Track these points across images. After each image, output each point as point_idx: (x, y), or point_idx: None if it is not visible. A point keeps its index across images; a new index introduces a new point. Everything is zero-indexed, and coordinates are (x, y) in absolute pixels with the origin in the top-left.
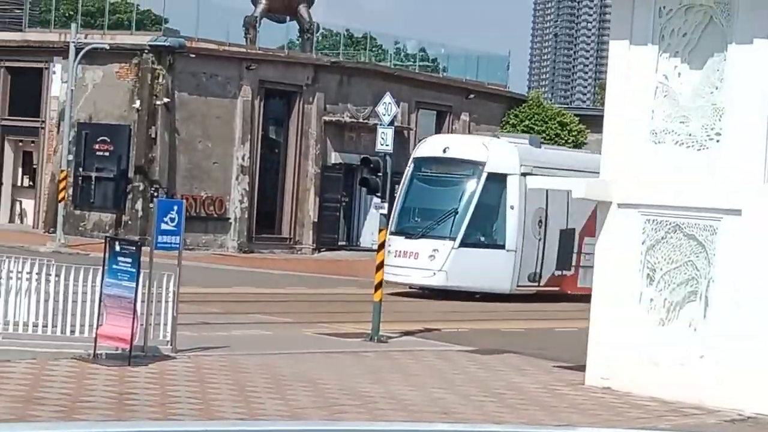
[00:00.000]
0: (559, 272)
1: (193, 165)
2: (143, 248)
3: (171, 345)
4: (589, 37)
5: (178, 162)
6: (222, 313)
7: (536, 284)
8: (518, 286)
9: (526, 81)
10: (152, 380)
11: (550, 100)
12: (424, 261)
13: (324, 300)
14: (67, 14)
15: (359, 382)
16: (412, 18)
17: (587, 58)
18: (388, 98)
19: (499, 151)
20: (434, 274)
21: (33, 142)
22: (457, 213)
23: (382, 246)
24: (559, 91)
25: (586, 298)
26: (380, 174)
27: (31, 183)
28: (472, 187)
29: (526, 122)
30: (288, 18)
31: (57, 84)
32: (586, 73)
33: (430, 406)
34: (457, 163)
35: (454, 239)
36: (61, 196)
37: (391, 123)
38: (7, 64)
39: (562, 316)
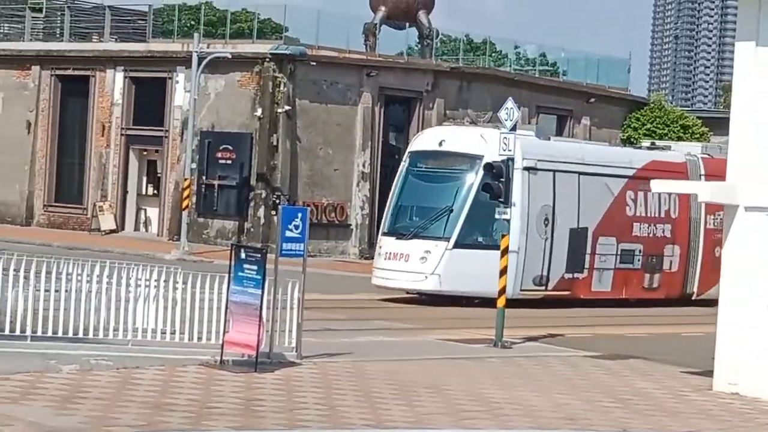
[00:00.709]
0: (570, 275)
1: (314, 172)
2: (268, 255)
3: (296, 351)
4: (710, 38)
5: (300, 169)
6: (345, 319)
7: (543, 288)
8: (522, 290)
9: (646, 84)
10: (278, 386)
11: (671, 103)
12: (415, 263)
13: (446, 305)
14: (188, 24)
15: (484, 387)
16: (531, 22)
17: (708, 60)
18: (510, 103)
19: (497, 144)
20: (426, 277)
21: (157, 151)
22: (452, 211)
23: (505, 251)
24: (679, 94)
25: (600, 303)
26: (503, 179)
27: (155, 191)
28: (469, 182)
29: (648, 126)
30: (407, 24)
31: (180, 93)
32: (708, 74)
33: (556, 412)
34: (452, 156)
35: (447, 240)
36: (184, 204)
37: (513, 128)
38: (132, 74)
39: (687, 321)
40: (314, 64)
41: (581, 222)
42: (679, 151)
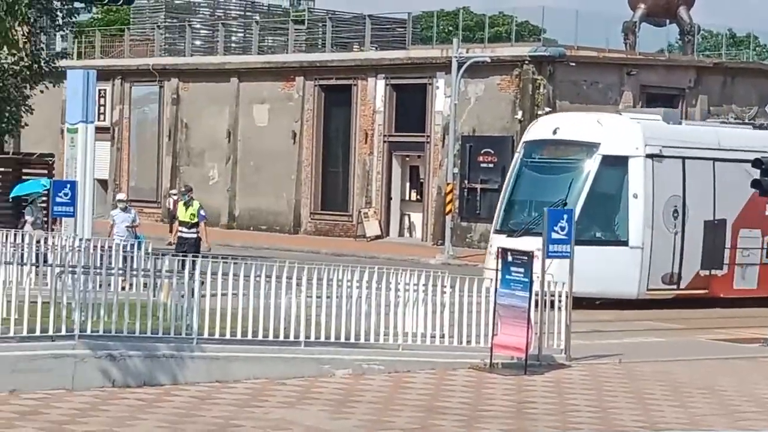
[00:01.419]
0: (707, 272)
1: None
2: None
3: (565, 353)
4: None
5: None
6: (613, 320)
7: (674, 287)
8: (649, 289)
9: None
10: (549, 389)
11: None
12: None
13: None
14: (447, 30)
15: (759, 388)
16: None
17: None
18: None
19: (617, 130)
20: (537, 277)
21: (419, 156)
22: (565, 204)
23: None
24: None
25: (742, 302)
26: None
27: (418, 197)
28: (584, 173)
29: None
30: (667, 21)
31: (440, 99)
32: None
33: None
34: (567, 145)
35: None
36: (447, 208)
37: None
38: (393, 81)
39: None
40: (573, 64)
41: (718, 214)
42: None
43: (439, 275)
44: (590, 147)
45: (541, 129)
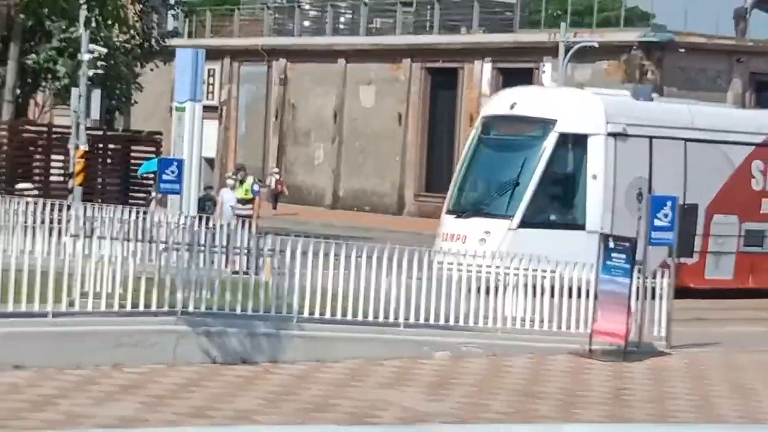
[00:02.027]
0: (674, 260)
1: None
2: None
3: (665, 341)
4: None
5: None
6: (714, 308)
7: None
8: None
9: None
10: (648, 376)
11: None
12: (473, 246)
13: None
14: (555, 14)
15: None
16: None
17: None
18: None
19: (576, 106)
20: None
21: None
22: (517, 185)
23: None
24: None
25: (714, 293)
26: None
27: None
28: (539, 151)
29: None
30: None
31: (547, 83)
32: None
33: None
34: (523, 121)
35: (510, 218)
36: None
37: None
38: (500, 65)
39: None
40: (682, 50)
41: (689, 197)
42: None
43: (538, 259)
44: (546, 124)
45: (499, 103)
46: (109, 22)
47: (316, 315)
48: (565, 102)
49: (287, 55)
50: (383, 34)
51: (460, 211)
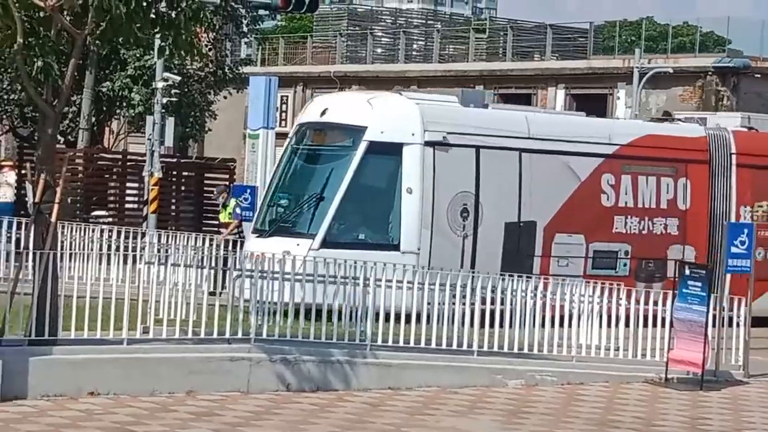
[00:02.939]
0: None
1: None
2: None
3: (743, 369)
4: None
5: None
6: None
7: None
8: (429, 303)
9: None
10: (725, 405)
11: None
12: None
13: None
14: (629, 40)
15: None
16: None
17: None
18: None
19: (389, 112)
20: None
21: None
22: (322, 200)
23: None
24: None
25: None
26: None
27: None
28: (347, 163)
29: None
30: None
31: (621, 109)
32: None
33: None
34: (332, 129)
35: (313, 236)
36: None
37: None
38: (573, 91)
39: None
40: (758, 76)
41: (525, 215)
42: (717, 122)
43: (614, 287)
44: (356, 132)
45: (312, 110)
46: (182, 52)
47: (390, 342)
48: (378, 108)
49: (360, 82)
50: (456, 61)
51: (264, 230)
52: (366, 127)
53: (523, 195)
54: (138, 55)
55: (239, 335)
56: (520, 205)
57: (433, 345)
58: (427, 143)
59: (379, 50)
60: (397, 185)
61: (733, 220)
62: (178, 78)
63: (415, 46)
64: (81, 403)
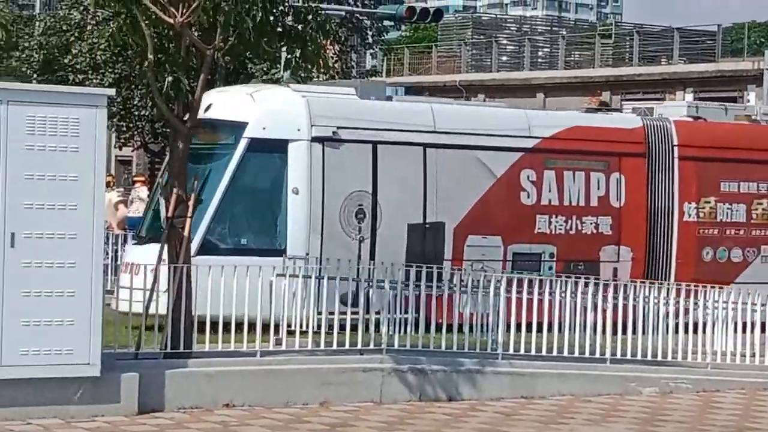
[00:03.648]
0: None
1: None
2: None
3: None
4: None
5: None
6: None
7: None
8: (320, 312)
9: None
10: None
11: None
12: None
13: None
14: (758, 41)
15: None
16: None
17: None
18: None
19: (272, 106)
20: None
21: None
22: (200, 203)
23: None
24: None
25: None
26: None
27: None
28: (226, 162)
29: None
30: None
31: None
32: None
33: None
34: (214, 126)
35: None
36: None
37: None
38: (702, 95)
39: None
40: None
41: (431, 215)
42: (660, 112)
43: (749, 293)
44: (237, 128)
45: (203, 106)
46: (309, 65)
47: (521, 351)
48: (261, 102)
49: (485, 91)
50: (582, 67)
51: (142, 236)
52: (247, 123)
53: (428, 194)
54: (265, 69)
55: (371, 346)
56: (425, 205)
57: (565, 353)
58: (315, 139)
59: (504, 58)
60: (283, 185)
61: (675, 217)
62: None
63: (540, 53)
64: (216, 415)
